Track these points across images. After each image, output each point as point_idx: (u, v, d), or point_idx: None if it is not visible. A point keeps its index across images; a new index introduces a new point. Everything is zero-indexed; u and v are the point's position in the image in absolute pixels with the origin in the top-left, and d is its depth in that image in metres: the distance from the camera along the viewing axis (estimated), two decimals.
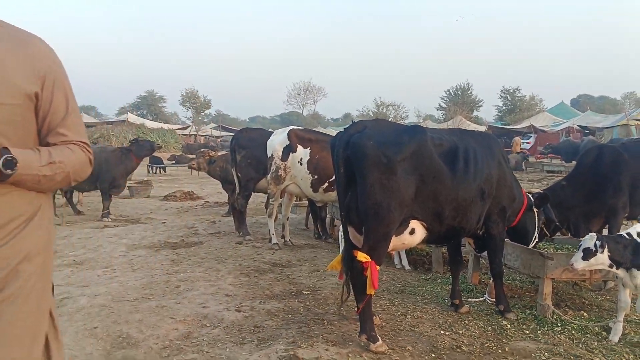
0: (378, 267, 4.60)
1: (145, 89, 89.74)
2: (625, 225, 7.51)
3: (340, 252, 5.23)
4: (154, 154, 30.19)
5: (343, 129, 4.88)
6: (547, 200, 6.01)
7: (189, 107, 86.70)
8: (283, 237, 9.29)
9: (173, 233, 10.37)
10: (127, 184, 18.12)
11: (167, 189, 19.52)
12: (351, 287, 4.79)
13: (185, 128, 64.93)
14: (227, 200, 13.11)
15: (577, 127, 38.86)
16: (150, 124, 57.38)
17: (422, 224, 4.87)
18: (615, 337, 4.87)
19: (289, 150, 8.44)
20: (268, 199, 8.95)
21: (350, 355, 4.50)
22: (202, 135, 61.67)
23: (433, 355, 4.56)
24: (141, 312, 5.62)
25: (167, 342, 4.86)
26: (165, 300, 6.06)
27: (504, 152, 5.64)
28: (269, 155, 8.60)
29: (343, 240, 5.31)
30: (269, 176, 8.60)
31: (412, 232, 4.85)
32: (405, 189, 4.60)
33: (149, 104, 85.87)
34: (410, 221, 4.79)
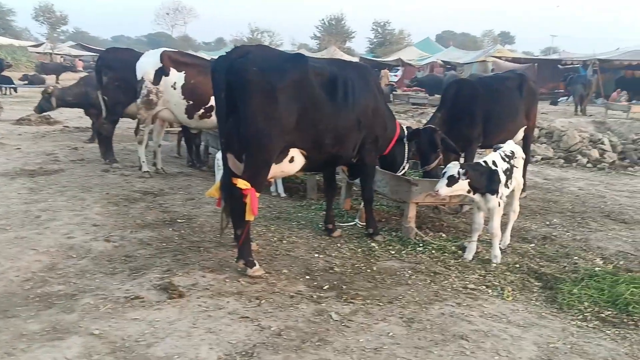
0: (258, 194, 4.64)
1: None
2: (480, 154, 8.25)
3: (218, 179, 5.18)
4: (2, 73, 27.46)
5: (225, 53, 4.69)
6: (417, 135, 6.36)
7: (42, 23, 78.42)
8: (154, 165, 8.95)
9: (30, 160, 9.54)
10: None
11: (20, 112, 17.69)
12: (230, 214, 4.80)
13: (39, 45, 58.66)
14: (90, 126, 12.28)
15: (441, 62, 40.87)
16: None
17: (302, 152, 4.96)
18: (469, 255, 5.42)
19: (161, 73, 7.97)
20: (138, 125, 8.49)
21: (227, 280, 4.57)
22: (58, 54, 56.15)
23: (307, 277, 4.77)
24: None
25: (30, 274, 4.58)
26: (25, 231, 5.65)
27: (379, 84, 5.84)
28: (138, 77, 8.06)
29: (219, 168, 5.25)
30: (139, 100, 8.11)
31: (291, 160, 4.92)
32: (286, 117, 4.61)
33: None
34: (290, 149, 4.85)
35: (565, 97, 28.33)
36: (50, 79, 31.47)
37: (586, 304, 4.38)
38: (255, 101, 4.44)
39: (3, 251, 5.05)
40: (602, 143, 12.34)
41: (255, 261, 4.74)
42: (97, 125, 9.48)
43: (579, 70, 29.50)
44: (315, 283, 4.65)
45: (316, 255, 5.34)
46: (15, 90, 26.11)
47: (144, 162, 8.56)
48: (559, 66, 33.62)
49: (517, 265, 5.30)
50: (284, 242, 5.68)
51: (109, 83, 8.78)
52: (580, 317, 4.23)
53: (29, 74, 33.92)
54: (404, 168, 6.47)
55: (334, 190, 6.07)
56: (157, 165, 8.91)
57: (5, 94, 25.56)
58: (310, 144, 4.92)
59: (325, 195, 6.11)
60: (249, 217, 4.54)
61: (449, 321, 4.02)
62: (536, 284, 4.90)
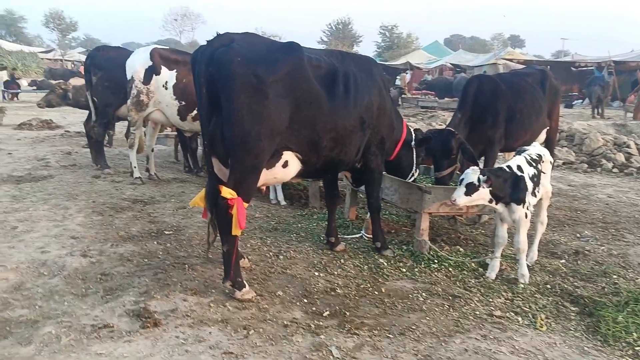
0: (246, 205, 4.00)
1: (5, 7, 79.60)
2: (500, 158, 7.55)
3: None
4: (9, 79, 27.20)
5: (206, 41, 4.04)
6: (428, 141, 5.68)
7: (52, 29, 78.77)
8: (147, 170, 8.36)
9: (19, 165, 9.03)
10: None
11: (24, 116, 17.34)
12: (215, 227, 4.17)
13: (49, 51, 58.77)
14: None
15: (450, 65, 40.17)
16: (8, 45, 51.21)
17: (297, 156, 4.30)
18: (492, 273, 4.74)
19: (152, 72, 7.38)
20: (129, 128, 7.90)
21: (212, 305, 3.93)
22: (69, 60, 56.12)
23: (305, 300, 4.13)
24: None
25: None
26: None
27: (384, 78, 5.17)
28: (128, 77, 7.49)
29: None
30: (129, 101, 7.54)
31: (285, 164, 4.27)
32: (277, 115, 3.97)
33: (7, 24, 76.81)
34: (284, 152, 4.20)
35: (580, 100, 27.60)
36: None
37: (635, 335, 3.67)
38: (241, 97, 3.80)
39: None
40: (628, 146, 11.54)
41: (244, 282, 4.11)
42: (88, 128, 8.89)
43: (594, 73, 28.67)
44: (314, 308, 4.00)
45: (316, 273, 4.69)
46: (17, 97, 25.82)
47: (135, 167, 7.98)
48: (572, 68, 32.91)
49: (549, 286, 4.62)
50: (281, 257, 5.04)
51: (99, 83, 8.24)
52: (631, 352, 3.53)
53: (38, 79, 33.78)
54: (412, 175, 5.81)
55: (336, 198, 5.39)
56: (150, 170, 8.33)
57: (12, 100, 25.29)
58: (307, 147, 4.27)
59: (327, 204, 5.44)
60: (236, 231, 3.90)
61: None
62: (572, 309, 4.20)
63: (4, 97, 24.84)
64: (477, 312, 4.04)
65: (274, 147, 4.05)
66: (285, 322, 3.72)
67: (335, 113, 4.35)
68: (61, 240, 5.28)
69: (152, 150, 8.45)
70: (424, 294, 4.34)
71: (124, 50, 8.79)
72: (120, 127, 12.23)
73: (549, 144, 7.43)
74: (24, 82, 29.83)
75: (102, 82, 8.22)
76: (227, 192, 3.85)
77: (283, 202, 7.23)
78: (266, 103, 3.89)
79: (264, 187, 4.72)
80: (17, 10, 78.73)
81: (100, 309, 3.83)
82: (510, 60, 32.68)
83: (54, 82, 31.32)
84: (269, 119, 3.92)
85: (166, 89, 7.39)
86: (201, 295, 4.08)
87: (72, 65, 52.69)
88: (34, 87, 28.74)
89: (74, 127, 15.56)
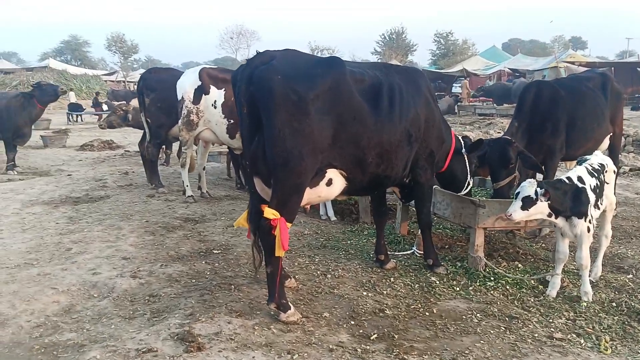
0: (289, 225, 3.92)
1: (70, 33, 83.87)
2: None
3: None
4: (74, 102, 28.56)
5: (246, 60, 4.01)
6: (480, 145, 5.42)
7: (115, 52, 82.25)
8: (200, 188, 8.46)
9: (78, 187, 9.32)
10: (41, 134, 16.72)
11: (87, 137, 18.04)
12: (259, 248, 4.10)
13: (112, 74, 61.42)
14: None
15: (508, 70, 39.13)
16: (73, 69, 53.90)
17: (341, 173, 4.19)
18: (553, 291, 4.46)
19: (201, 91, 7.48)
20: (180, 147, 8.03)
21: (256, 328, 3.85)
22: (131, 82, 58.41)
23: (352, 322, 3.99)
24: (19, 282, 4.78)
25: (42, 319, 4.11)
26: (51, 266, 5.20)
27: (431, 89, 4.98)
28: (179, 97, 7.62)
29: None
30: (180, 121, 7.66)
31: (329, 182, 4.16)
32: (320, 133, 3.88)
33: (72, 49, 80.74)
34: (327, 170, 4.10)
35: None
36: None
37: None
38: (281, 115, 3.73)
39: (21, 291, 4.60)
40: None
41: (289, 304, 4.01)
42: (142, 149, 9.10)
43: None
44: (361, 331, 3.86)
45: (364, 293, 4.54)
46: (82, 118, 26.94)
47: (187, 186, 8.09)
48: (638, 69, 31.37)
49: (614, 304, 4.31)
50: (329, 276, 4.92)
51: (151, 105, 8.41)
52: None
53: (102, 101, 35.24)
54: (469, 185, 5.56)
55: (384, 214, 5.23)
56: (202, 189, 8.42)
57: (76, 121, 26.41)
58: (351, 164, 4.15)
59: (375, 221, 5.29)
60: (279, 252, 3.82)
61: None
62: None
63: (68, 120, 25.95)
64: (536, 335, 3.79)
65: (317, 165, 3.96)
66: (330, 346, 3.60)
67: (380, 128, 4.21)
68: (113, 261, 5.35)
69: (204, 169, 8.55)
70: (478, 314, 4.11)
71: (175, 71, 8.98)
72: (176, 146, 12.51)
73: (612, 151, 6.99)
74: (104, 106, 31.18)
75: (155, 104, 8.40)
76: (269, 213, 3.79)
77: (333, 218, 7.12)
78: (308, 120, 3.81)
79: (307, 206, 4.62)
80: (82, 35, 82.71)
81: (146, 332, 3.82)
82: (572, 63, 31.53)
83: (116, 103, 32.80)
84: (311, 136, 3.83)
85: (215, 107, 7.47)
86: (246, 317, 4.02)
87: (134, 87, 54.85)
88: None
89: (133, 147, 15.97)
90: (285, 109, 3.75)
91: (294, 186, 3.86)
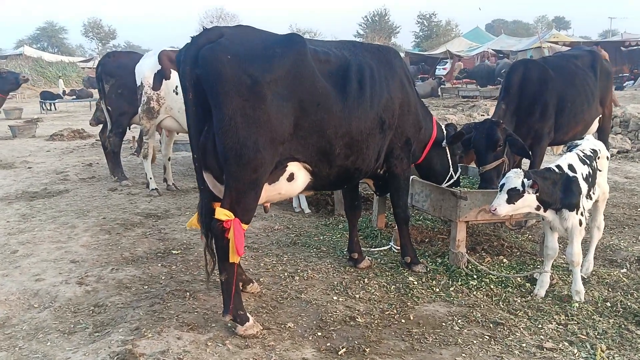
0: (245, 227, 3.44)
1: (47, 19, 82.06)
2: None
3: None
4: (48, 90, 27.65)
5: (190, 37, 3.48)
6: (460, 138, 4.95)
7: (92, 38, 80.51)
8: (165, 181, 7.93)
9: (37, 180, 8.74)
10: (10, 124, 16.00)
11: (59, 127, 17.32)
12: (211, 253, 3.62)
13: (89, 60, 60.05)
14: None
15: (492, 51, 38.73)
16: (48, 57, 52.69)
17: (305, 167, 3.72)
18: (541, 290, 4.06)
19: (161, 76, 6.92)
20: (140, 137, 7.48)
21: (209, 344, 3.39)
22: None
23: (319, 333, 3.55)
24: None
25: None
26: None
27: (407, 70, 4.48)
28: (138, 83, 7.06)
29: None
30: (139, 109, 7.10)
31: (290, 177, 3.68)
32: (278, 121, 3.39)
33: (49, 36, 78.85)
34: (288, 164, 3.62)
35: (632, 81, 26.03)
36: (97, 93, 31.60)
37: None
38: (233, 101, 3.24)
39: None
40: None
41: (247, 315, 3.55)
42: (103, 139, 8.52)
43: None
44: (329, 344, 3.41)
45: (335, 297, 4.10)
46: (55, 107, 26.13)
47: (150, 178, 7.56)
48: (622, 48, 31.29)
49: (608, 304, 3.93)
50: (297, 278, 4.47)
51: (111, 91, 7.85)
52: None
53: (77, 88, 34.33)
54: (452, 178, 5.11)
55: (357, 209, 4.74)
56: (168, 181, 7.89)
57: (49, 110, 25.56)
58: (316, 156, 3.67)
59: (347, 216, 4.81)
60: (233, 258, 3.35)
61: None
62: (639, 333, 3.49)
63: (42, 109, 25.09)
64: (524, 344, 3.38)
65: (276, 158, 3.47)
66: None
67: (348, 114, 3.73)
68: (60, 265, 4.85)
69: (169, 160, 8.00)
70: (459, 321, 3.69)
71: (137, 55, 8.36)
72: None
73: (602, 134, 6.57)
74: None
75: (115, 90, 7.84)
76: (222, 213, 3.31)
77: (307, 210, 6.66)
78: (264, 107, 3.32)
79: (267, 204, 4.13)
80: (58, 22, 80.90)
81: (83, 352, 3.34)
82: (556, 43, 31.21)
83: (93, 90, 31.89)
84: (268, 125, 3.34)
85: (177, 94, 6.89)
86: (199, 331, 3.55)
87: None
88: (73, 97, 29.13)
89: None
90: (237, 94, 3.25)
91: (249, 182, 3.37)
